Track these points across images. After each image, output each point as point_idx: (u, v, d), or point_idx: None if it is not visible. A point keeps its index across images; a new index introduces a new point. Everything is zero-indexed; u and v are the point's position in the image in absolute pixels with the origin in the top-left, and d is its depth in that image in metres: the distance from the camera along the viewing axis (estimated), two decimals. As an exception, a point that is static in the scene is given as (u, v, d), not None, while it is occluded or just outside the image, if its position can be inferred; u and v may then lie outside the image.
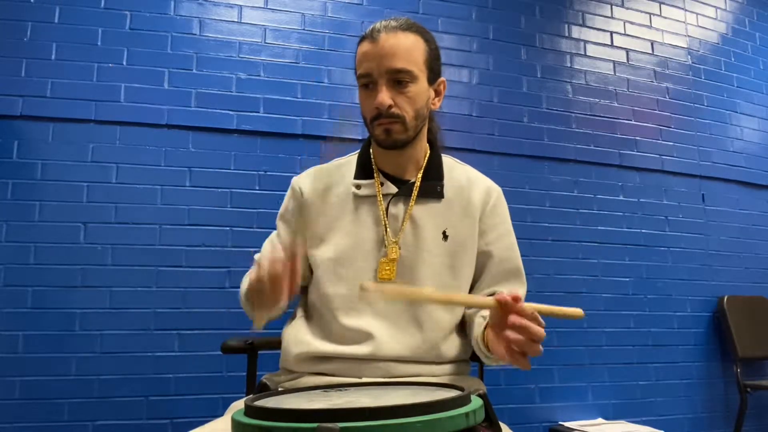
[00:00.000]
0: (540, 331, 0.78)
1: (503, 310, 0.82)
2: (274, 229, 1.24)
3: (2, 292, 1.91)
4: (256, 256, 1.21)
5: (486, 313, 1.05)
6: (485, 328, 1.00)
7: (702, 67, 2.98)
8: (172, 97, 2.15)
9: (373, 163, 1.15)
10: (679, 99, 2.89)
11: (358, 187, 1.13)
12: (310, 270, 1.17)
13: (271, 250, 0.88)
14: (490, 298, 0.84)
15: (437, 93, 1.14)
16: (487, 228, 1.15)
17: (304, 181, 1.19)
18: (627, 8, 2.90)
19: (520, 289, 1.14)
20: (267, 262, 0.86)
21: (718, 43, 3.06)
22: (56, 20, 2.09)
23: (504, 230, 1.17)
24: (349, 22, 2.41)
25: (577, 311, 0.83)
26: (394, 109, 1.04)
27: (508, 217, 1.20)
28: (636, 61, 2.85)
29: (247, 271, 1.27)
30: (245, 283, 1.13)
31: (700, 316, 2.71)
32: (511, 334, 0.81)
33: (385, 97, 1.03)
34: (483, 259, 1.15)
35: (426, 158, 1.16)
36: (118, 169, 2.07)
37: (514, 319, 0.80)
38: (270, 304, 0.88)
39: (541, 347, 0.80)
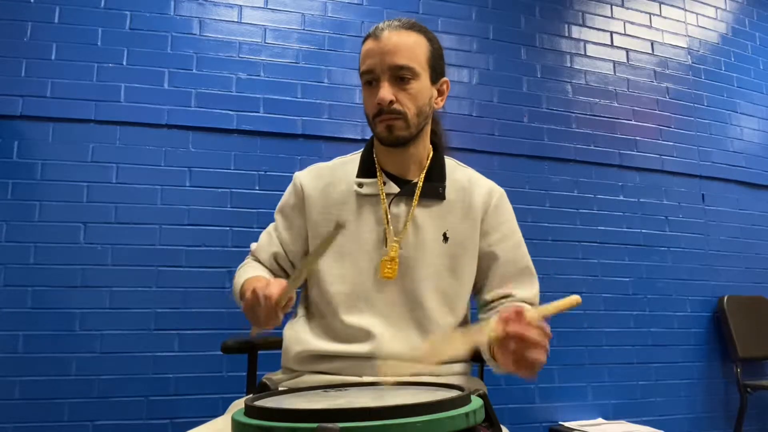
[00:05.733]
0: (537, 334, 0.78)
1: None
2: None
3: (2, 292, 1.91)
4: (253, 246, 1.22)
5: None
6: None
7: (702, 67, 2.98)
8: (172, 97, 2.14)
9: (376, 162, 1.15)
10: (679, 99, 2.89)
11: (360, 185, 1.13)
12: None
13: (266, 284, 0.89)
14: (495, 326, 0.82)
15: (440, 93, 1.14)
16: (489, 229, 1.15)
17: (305, 177, 1.19)
18: (627, 8, 2.89)
19: (531, 288, 1.15)
20: (261, 295, 0.87)
21: (718, 43, 3.06)
22: (56, 20, 2.08)
23: (508, 230, 1.17)
24: (349, 22, 2.41)
25: (573, 299, 0.84)
26: (396, 105, 1.05)
27: (513, 218, 1.20)
28: (636, 61, 2.85)
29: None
30: (239, 277, 1.14)
31: (700, 316, 2.71)
32: (513, 345, 0.80)
33: (386, 92, 1.04)
34: (488, 261, 1.15)
35: (429, 159, 1.16)
36: (118, 169, 2.06)
37: (509, 329, 0.80)
38: (263, 326, 0.90)
39: (543, 356, 0.79)
